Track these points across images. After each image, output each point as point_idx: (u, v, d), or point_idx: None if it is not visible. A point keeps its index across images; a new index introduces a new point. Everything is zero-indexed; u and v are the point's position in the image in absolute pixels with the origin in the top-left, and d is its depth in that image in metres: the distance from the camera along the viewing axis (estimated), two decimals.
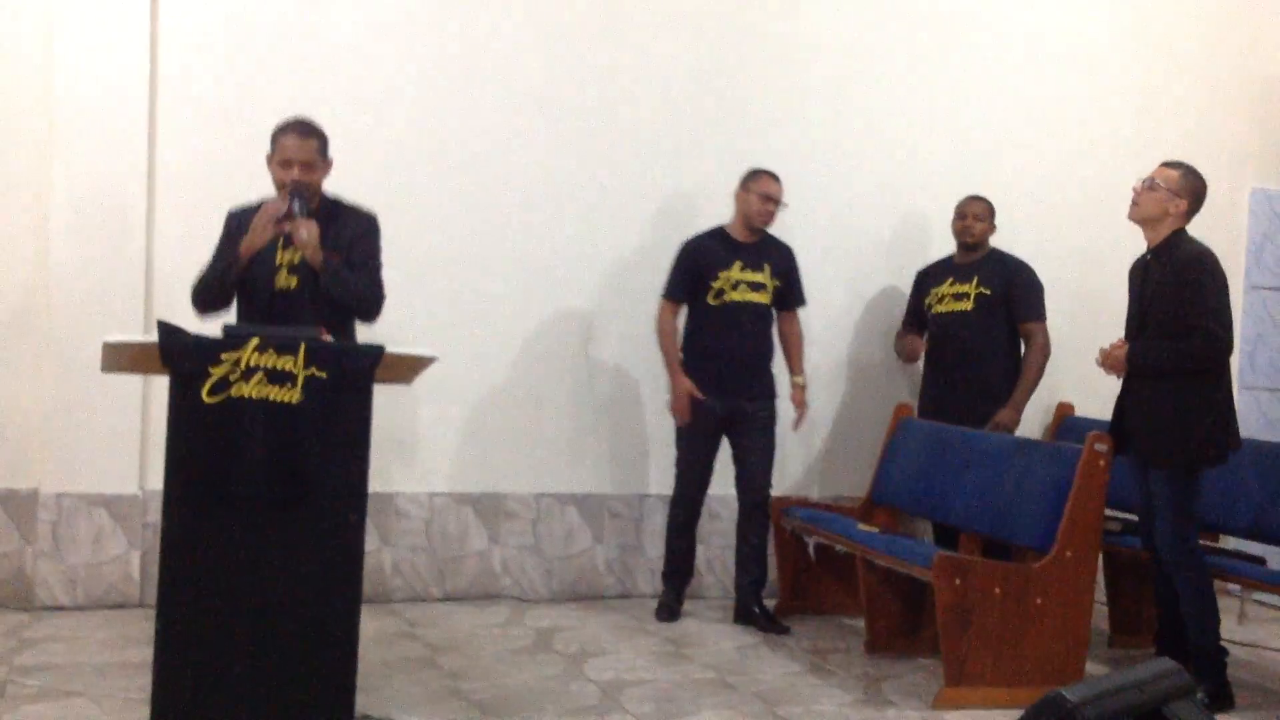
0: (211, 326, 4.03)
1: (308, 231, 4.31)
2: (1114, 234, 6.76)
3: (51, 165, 5.50)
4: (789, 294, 5.89)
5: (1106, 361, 4.97)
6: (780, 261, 5.85)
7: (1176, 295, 4.83)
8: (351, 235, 4.51)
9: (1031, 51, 6.82)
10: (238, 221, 4.50)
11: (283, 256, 4.43)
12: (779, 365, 5.96)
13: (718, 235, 5.86)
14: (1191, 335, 4.78)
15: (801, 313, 6.11)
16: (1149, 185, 4.95)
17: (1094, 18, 6.93)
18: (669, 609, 5.88)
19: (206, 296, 4.49)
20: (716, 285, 5.75)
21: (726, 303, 5.75)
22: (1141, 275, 5.06)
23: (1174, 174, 4.94)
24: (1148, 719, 2.97)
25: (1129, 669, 3.13)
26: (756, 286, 5.78)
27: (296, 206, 4.32)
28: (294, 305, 4.41)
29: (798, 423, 5.97)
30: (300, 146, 4.43)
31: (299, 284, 4.43)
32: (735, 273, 5.75)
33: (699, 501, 5.90)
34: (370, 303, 4.49)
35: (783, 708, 4.63)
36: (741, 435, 5.82)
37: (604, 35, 6.19)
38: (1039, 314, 6.03)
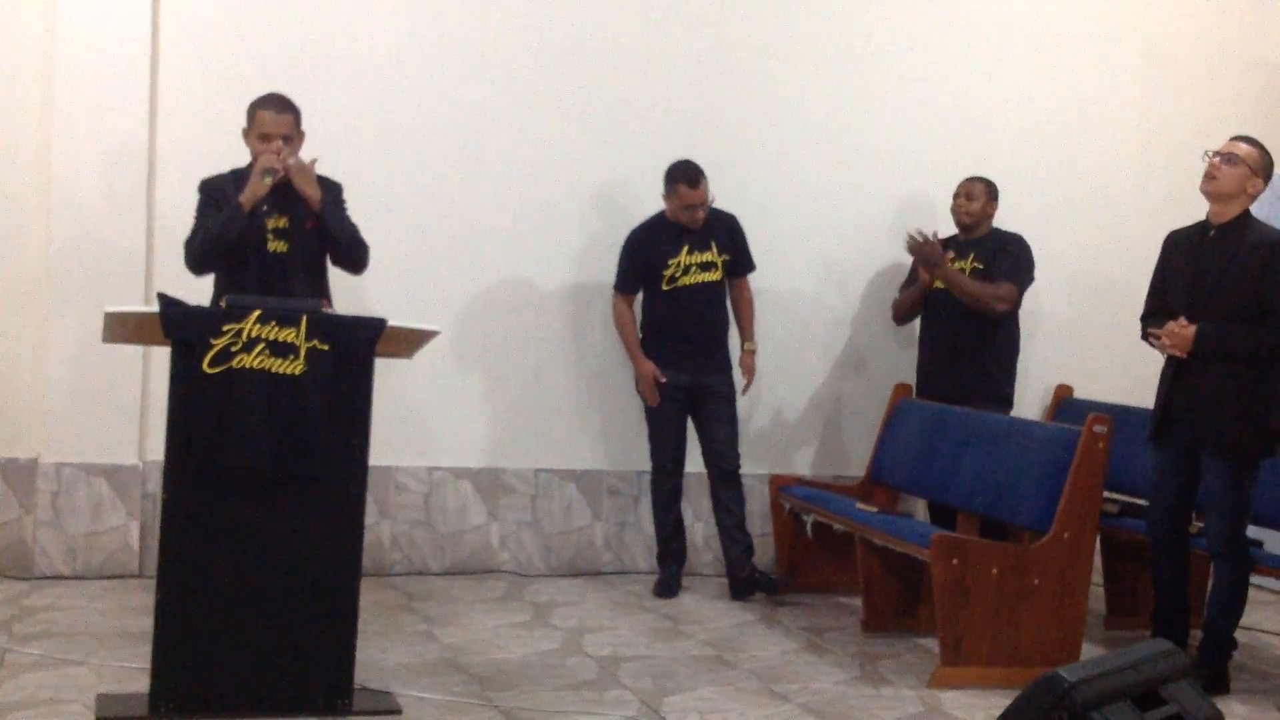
0: (201, 296, 4.03)
1: (303, 168, 4.62)
2: (1115, 218, 6.79)
3: (52, 138, 5.48)
4: (738, 261, 5.95)
5: (1172, 341, 4.74)
6: (725, 235, 5.90)
7: (1254, 278, 4.65)
8: (328, 197, 4.75)
9: (1036, 35, 6.79)
10: (219, 186, 4.75)
11: (271, 222, 4.68)
12: (804, 342, 5.97)
13: (661, 223, 5.88)
14: (1268, 321, 4.63)
15: (802, 293, 6.10)
16: (1228, 159, 4.73)
17: (1100, 11, 6.90)
18: (666, 585, 5.91)
19: (208, 250, 4.65)
20: (668, 272, 5.82)
21: (679, 287, 5.83)
22: (1194, 249, 4.83)
23: (1254, 151, 4.75)
24: (1144, 699, 2.99)
25: (1126, 650, 3.14)
26: (707, 266, 5.84)
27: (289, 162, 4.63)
28: (285, 268, 4.69)
29: (746, 389, 6.00)
30: (278, 121, 4.68)
31: (289, 248, 4.71)
32: (684, 257, 5.82)
33: (677, 476, 5.96)
34: (363, 248, 4.79)
35: (779, 685, 4.65)
36: (704, 409, 5.89)
37: (606, 13, 6.16)
38: (1011, 276, 5.90)
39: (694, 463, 6.02)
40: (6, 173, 5.53)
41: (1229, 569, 4.80)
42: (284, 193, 4.68)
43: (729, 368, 5.95)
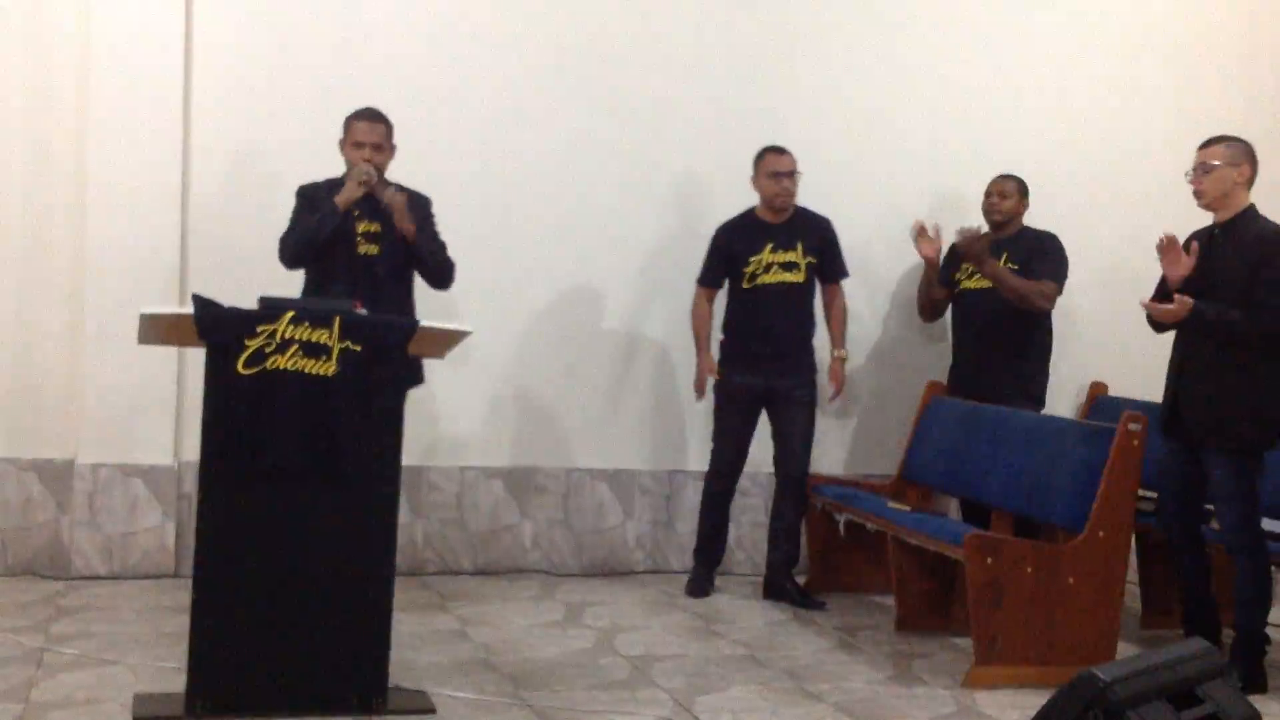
0: (233, 296, 4.06)
1: (396, 200, 4.96)
2: (1148, 214, 6.72)
3: (88, 140, 5.53)
4: (828, 267, 5.87)
5: (1163, 309, 4.74)
6: (814, 237, 5.83)
7: (1247, 270, 4.69)
8: (422, 216, 5.10)
9: (1067, 30, 6.75)
10: (313, 192, 5.07)
11: (362, 225, 5.02)
12: (823, 342, 5.95)
13: (748, 219, 5.86)
14: (1260, 310, 4.64)
15: None
16: (1204, 170, 4.81)
17: (1133, 5, 6.84)
18: (699, 584, 5.89)
19: (302, 247, 4.98)
20: (749, 270, 5.76)
21: (759, 285, 5.76)
22: (1204, 248, 4.86)
23: (1219, 148, 4.83)
24: (1180, 699, 2.97)
25: (1161, 649, 3.12)
26: (789, 266, 5.77)
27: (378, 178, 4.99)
28: (374, 270, 5.01)
29: (834, 396, 5.96)
30: (370, 130, 5.04)
31: (380, 252, 5.03)
32: (767, 255, 5.76)
33: (733, 479, 5.91)
34: (449, 269, 5.18)
35: (813, 684, 4.64)
36: (780, 413, 5.82)
37: (637, 12, 6.16)
38: (1051, 273, 5.91)
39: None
40: (42, 177, 5.58)
41: (1247, 563, 4.79)
42: (377, 199, 4.99)
43: (810, 373, 5.85)
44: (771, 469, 5.94)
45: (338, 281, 4.90)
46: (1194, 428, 4.85)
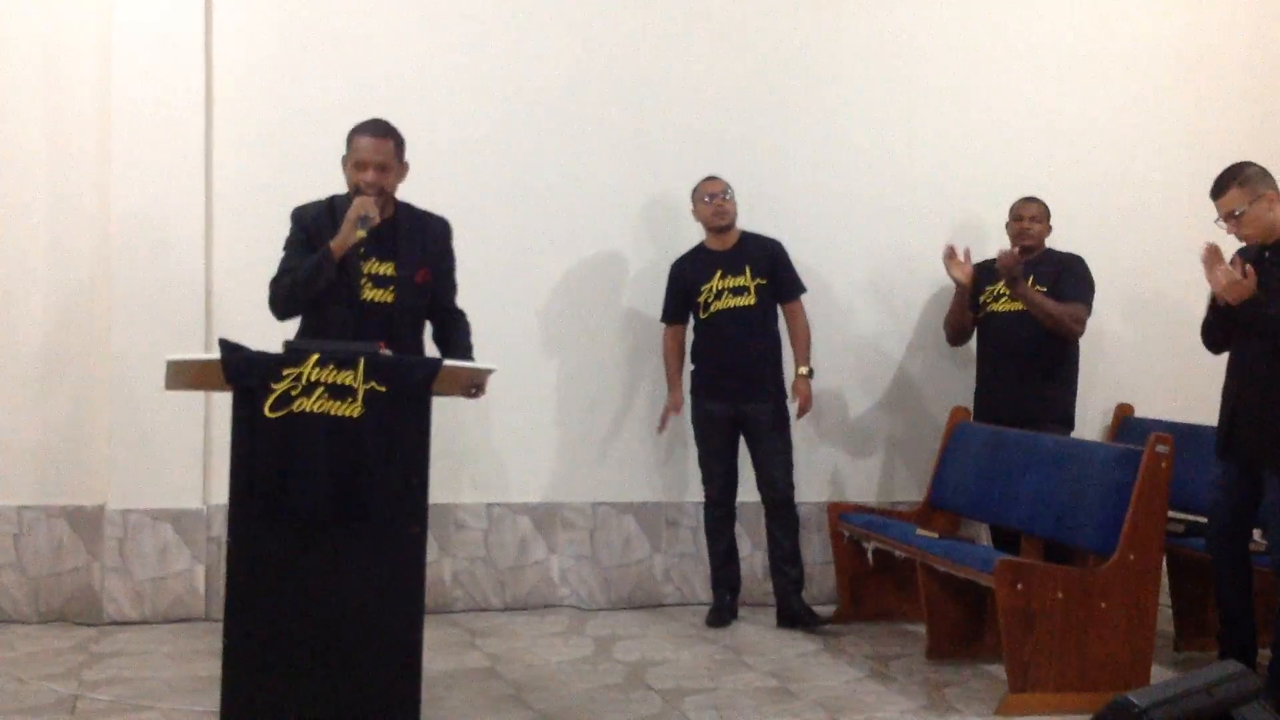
0: (260, 340, 4.06)
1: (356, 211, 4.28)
2: (1169, 233, 6.72)
3: (110, 185, 5.59)
4: (782, 287, 5.92)
5: (1229, 282, 4.60)
6: (761, 259, 5.88)
7: None
8: (439, 246, 4.60)
9: (1079, 52, 6.75)
10: (312, 220, 4.48)
11: (369, 266, 4.42)
12: (851, 366, 5.96)
13: (698, 250, 5.96)
14: None
15: (857, 317, 6.08)
16: (1234, 218, 4.74)
17: (1147, 17, 6.86)
18: (719, 614, 5.89)
19: (294, 297, 4.40)
20: (702, 299, 5.86)
21: (714, 313, 5.85)
22: (1256, 268, 4.75)
23: (1235, 192, 4.74)
24: None
25: (1196, 672, 3.10)
26: (739, 291, 5.84)
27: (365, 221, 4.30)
28: (391, 319, 4.43)
29: (800, 414, 5.97)
30: (376, 147, 4.41)
31: (396, 298, 4.44)
32: (716, 282, 5.84)
33: (728, 505, 5.96)
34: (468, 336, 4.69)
35: (845, 715, 4.62)
36: (754, 440, 5.89)
37: (651, 41, 6.20)
38: (1080, 296, 5.91)
39: (752, 492, 5.99)
40: (67, 226, 5.63)
41: None
42: (390, 234, 4.46)
43: (776, 395, 5.90)
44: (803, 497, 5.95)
45: (336, 333, 4.31)
46: (1251, 449, 4.77)
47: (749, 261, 5.87)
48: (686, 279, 5.91)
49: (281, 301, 4.45)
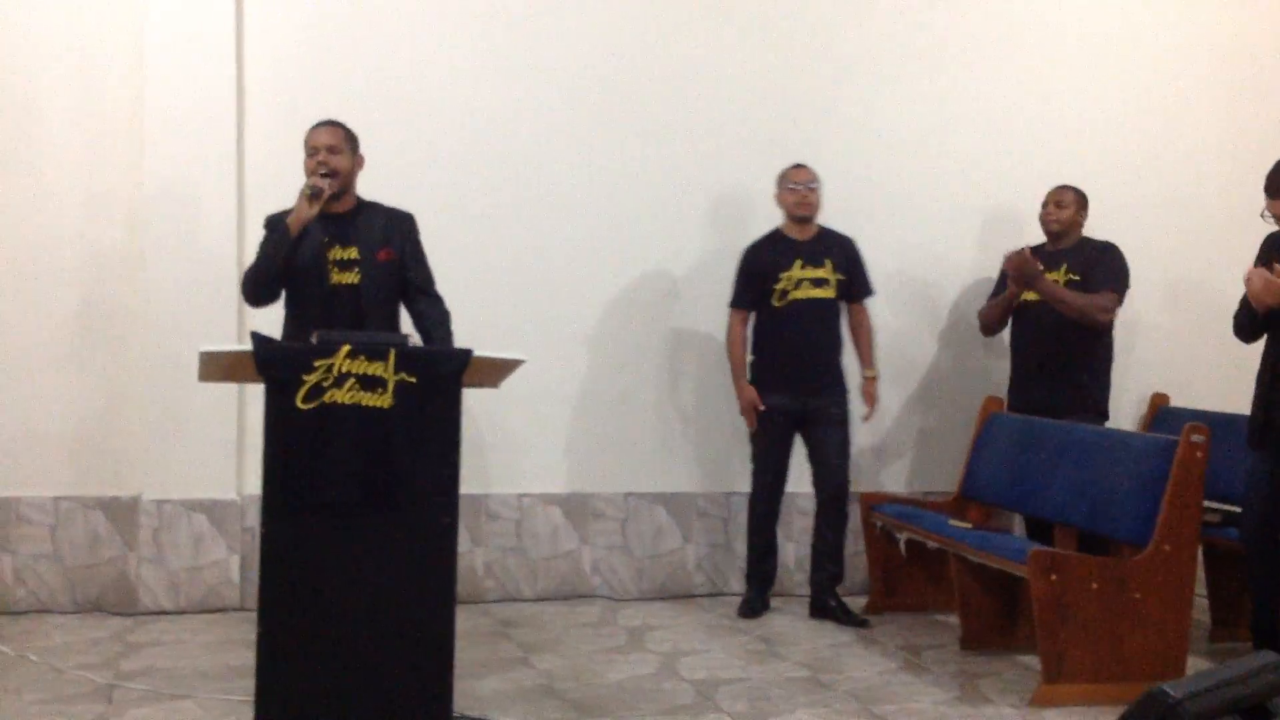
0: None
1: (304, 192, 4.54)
2: (1205, 221, 6.67)
3: (143, 179, 5.63)
4: (854, 286, 5.87)
5: (1263, 284, 4.62)
6: (841, 254, 5.84)
7: None
8: (403, 234, 4.76)
9: (1113, 38, 6.71)
10: (277, 221, 4.70)
11: (334, 253, 4.65)
12: (898, 361, 5.92)
13: (775, 236, 5.89)
14: None
15: (890, 308, 6.05)
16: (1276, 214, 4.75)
17: (1181, 4, 6.79)
18: (750, 606, 5.88)
19: (260, 280, 4.66)
20: (779, 286, 5.77)
21: (791, 302, 5.77)
22: None
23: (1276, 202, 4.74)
24: (1252, 714, 2.92)
25: (1232, 663, 3.07)
26: (819, 282, 5.78)
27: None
28: (359, 301, 4.65)
29: (868, 415, 5.93)
30: (325, 132, 4.68)
31: (362, 280, 4.66)
32: (797, 271, 5.77)
33: (776, 500, 5.91)
34: (450, 335, 4.75)
35: (878, 706, 4.61)
36: (814, 431, 5.82)
37: (682, 32, 6.19)
38: (1111, 284, 5.85)
39: (789, 485, 5.97)
40: (101, 222, 5.67)
41: None
42: (350, 221, 4.70)
43: (842, 389, 5.85)
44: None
45: (312, 319, 4.51)
46: None
47: (829, 254, 5.81)
48: (764, 264, 5.82)
49: (249, 284, 4.71)
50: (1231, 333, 5.01)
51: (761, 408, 5.78)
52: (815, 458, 5.86)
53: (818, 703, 4.63)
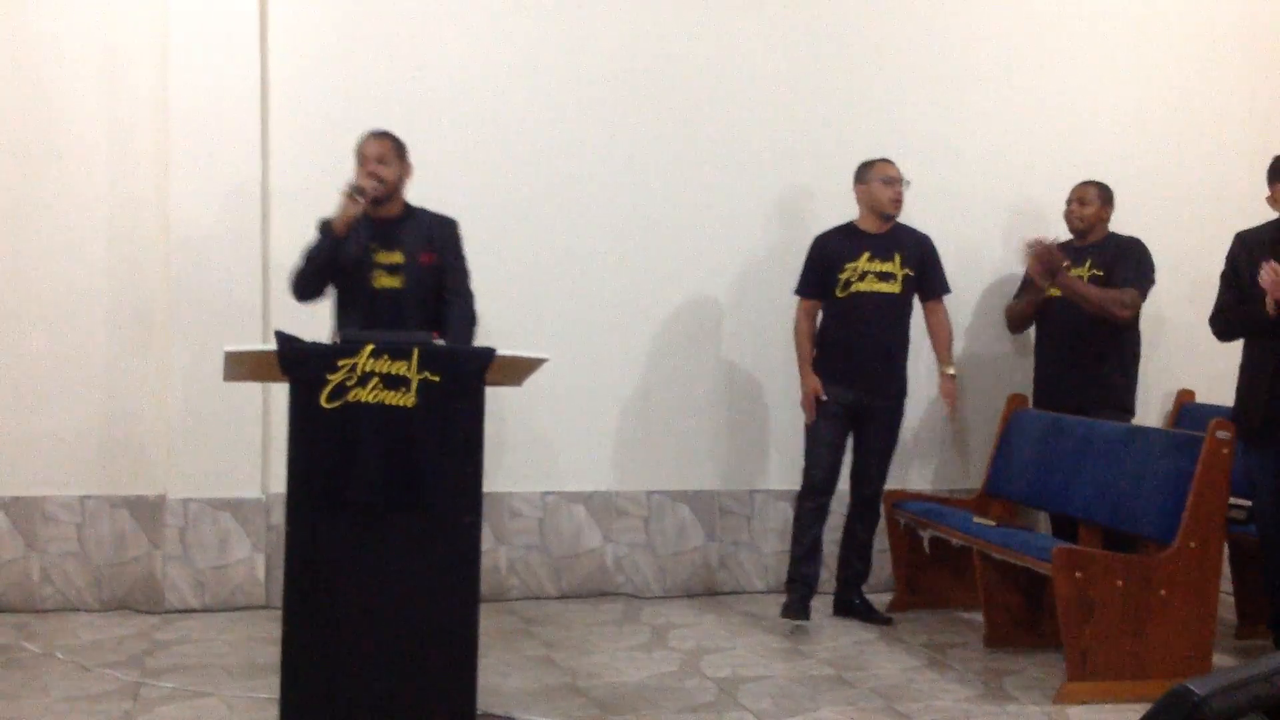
0: (315, 332, 4.10)
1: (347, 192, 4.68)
2: (1231, 216, 6.61)
3: (169, 180, 5.65)
4: (928, 283, 5.76)
5: (1275, 279, 4.64)
6: (913, 250, 5.72)
7: None
8: (444, 239, 4.86)
9: (1138, 32, 6.67)
10: (330, 222, 4.78)
11: (380, 257, 4.77)
12: (922, 360, 5.91)
13: (847, 228, 5.79)
14: None
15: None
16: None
17: (1206, 3, 6.77)
18: (790, 608, 5.64)
19: (309, 277, 4.78)
20: (844, 276, 5.65)
21: (853, 293, 5.65)
22: (1276, 248, 4.78)
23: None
24: (1277, 712, 2.90)
25: (1258, 660, 3.05)
26: (885, 276, 5.67)
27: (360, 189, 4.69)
28: (400, 304, 4.75)
29: (949, 413, 5.90)
30: (374, 143, 4.81)
31: (405, 284, 4.77)
32: (862, 263, 5.66)
33: (825, 496, 5.71)
34: (473, 331, 4.85)
35: (902, 704, 4.60)
36: (864, 430, 5.73)
37: (701, 30, 6.19)
38: (1133, 280, 5.82)
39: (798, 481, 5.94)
40: (126, 219, 5.70)
41: None
42: (397, 226, 4.80)
43: (901, 391, 5.75)
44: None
45: (356, 320, 4.70)
46: None
47: (900, 250, 5.69)
48: (830, 254, 5.71)
49: (295, 285, 4.83)
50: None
51: (824, 398, 5.65)
52: (859, 456, 5.77)
53: (841, 700, 4.62)
